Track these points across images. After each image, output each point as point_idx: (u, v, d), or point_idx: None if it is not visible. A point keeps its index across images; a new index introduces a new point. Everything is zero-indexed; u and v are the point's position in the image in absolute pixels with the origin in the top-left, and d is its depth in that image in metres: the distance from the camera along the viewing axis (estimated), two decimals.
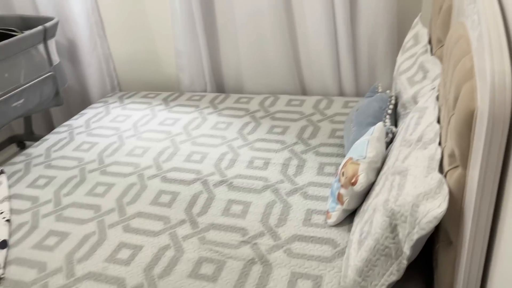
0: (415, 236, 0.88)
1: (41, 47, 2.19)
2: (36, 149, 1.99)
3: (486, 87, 0.70)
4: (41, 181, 1.75)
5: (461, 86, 0.83)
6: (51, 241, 1.42)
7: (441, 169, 0.94)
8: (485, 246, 0.78)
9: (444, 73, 1.13)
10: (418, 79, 1.48)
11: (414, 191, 0.91)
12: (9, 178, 1.80)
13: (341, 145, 1.74)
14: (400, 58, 1.72)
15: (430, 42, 1.64)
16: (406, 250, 0.92)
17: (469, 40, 0.92)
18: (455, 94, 0.86)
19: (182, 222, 1.43)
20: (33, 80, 2.15)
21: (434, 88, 1.29)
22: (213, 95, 2.30)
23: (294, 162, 1.66)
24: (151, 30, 2.49)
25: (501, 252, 0.74)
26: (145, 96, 2.39)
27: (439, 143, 0.99)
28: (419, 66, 1.52)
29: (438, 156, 0.95)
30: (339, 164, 1.62)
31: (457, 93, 0.85)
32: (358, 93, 2.24)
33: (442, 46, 1.44)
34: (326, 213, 1.38)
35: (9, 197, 1.66)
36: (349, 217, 1.35)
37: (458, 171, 0.84)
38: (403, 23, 2.10)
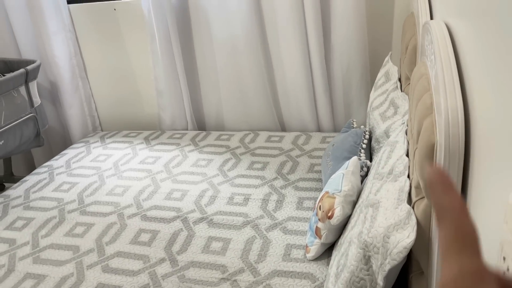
0: (387, 267, 0.90)
1: (22, 89, 2.21)
2: (15, 191, 1.98)
3: (442, 122, 0.75)
4: (19, 223, 1.73)
5: (422, 121, 0.89)
6: (27, 284, 1.39)
7: (410, 200, 0.97)
8: None
9: (410, 109, 1.19)
10: (390, 114, 1.55)
11: (385, 223, 0.94)
12: None
13: (319, 180, 1.77)
14: (372, 94, 1.79)
15: (399, 79, 1.72)
16: (380, 281, 0.94)
17: (429, 78, 0.99)
18: (417, 129, 0.91)
19: (162, 260, 1.42)
20: (14, 122, 2.16)
21: (403, 123, 1.35)
22: (194, 133, 2.33)
23: (274, 197, 1.69)
24: (132, 71, 2.55)
25: None
26: (126, 135, 2.41)
27: (408, 176, 1.03)
28: (390, 102, 1.59)
29: (407, 188, 0.98)
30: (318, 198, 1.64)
31: (419, 128, 0.90)
32: (335, 129, 2.30)
33: (410, 83, 1.51)
34: (305, 248, 1.40)
35: None
36: (328, 250, 1.36)
37: (424, 202, 0.88)
38: (375, 61, 2.20)
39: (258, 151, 2.06)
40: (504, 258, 0.46)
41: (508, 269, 0.45)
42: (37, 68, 2.26)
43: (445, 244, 0.28)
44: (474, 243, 0.28)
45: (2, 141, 2.10)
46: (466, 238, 0.27)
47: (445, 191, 0.30)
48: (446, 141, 0.72)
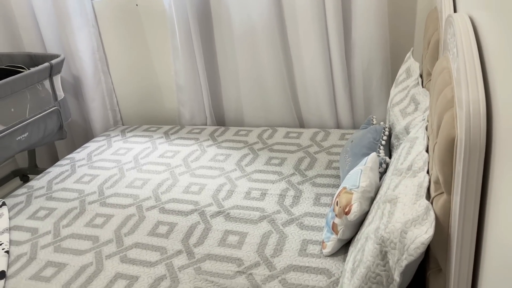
0: (404, 263, 0.89)
1: (46, 82, 2.27)
2: (38, 182, 2.03)
3: (463, 115, 0.73)
4: (42, 213, 1.77)
5: (442, 115, 0.87)
6: (48, 272, 1.43)
7: (428, 196, 0.95)
8: (471, 271, 0.79)
9: (431, 104, 1.16)
10: (410, 110, 1.52)
11: (402, 218, 0.93)
12: (10, 210, 1.82)
13: (337, 176, 1.76)
14: (393, 91, 1.76)
15: (421, 75, 1.69)
16: (396, 277, 0.93)
17: (451, 71, 0.96)
18: (437, 123, 0.89)
19: (179, 252, 1.44)
20: (38, 115, 2.22)
21: (424, 119, 1.32)
22: (212, 128, 2.35)
23: (291, 193, 1.68)
24: (153, 66, 2.58)
25: (486, 278, 0.74)
26: (146, 130, 2.44)
27: (428, 171, 1.01)
28: (411, 98, 1.56)
29: (426, 184, 0.97)
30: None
31: (439, 122, 0.88)
32: (355, 126, 2.28)
33: (431, 79, 1.48)
34: (322, 243, 1.39)
35: (9, 229, 1.68)
36: (344, 246, 1.35)
37: (443, 197, 0.86)
38: (396, 57, 2.16)
39: (276, 147, 2.05)
40: None
41: None
42: (61, 62, 2.31)
43: None
44: None
45: (27, 133, 2.16)
46: None
47: None
48: (466, 135, 0.71)
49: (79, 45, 2.48)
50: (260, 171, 1.86)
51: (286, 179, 1.78)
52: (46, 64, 2.22)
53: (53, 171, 2.11)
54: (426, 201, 0.90)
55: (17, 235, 1.64)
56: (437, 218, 0.87)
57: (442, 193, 0.87)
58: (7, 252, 1.54)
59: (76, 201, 1.82)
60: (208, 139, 2.22)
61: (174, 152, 2.14)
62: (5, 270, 1.45)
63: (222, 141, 2.18)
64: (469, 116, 0.71)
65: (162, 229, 1.56)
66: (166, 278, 1.33)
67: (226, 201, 1.68)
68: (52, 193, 1.91)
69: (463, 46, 0.84)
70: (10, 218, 1.76)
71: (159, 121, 2.72)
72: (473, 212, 0.75)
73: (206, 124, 2.51)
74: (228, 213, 1.60)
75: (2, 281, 1.40)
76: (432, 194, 0.93)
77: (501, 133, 0.67)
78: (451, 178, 0.82)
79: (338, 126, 2.29)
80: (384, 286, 0.97)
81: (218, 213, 1.61)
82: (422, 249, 0.85)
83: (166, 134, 2.35)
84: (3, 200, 1.88)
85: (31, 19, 2.54)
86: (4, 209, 1.80)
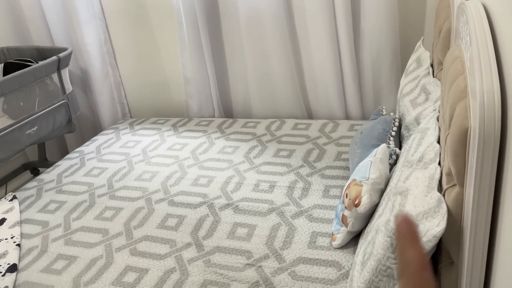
0: None
1: (55, 76, 2.27)
2: (48, 175, 2.04)
3: (477, 105, 0.71)
4: (52, 206, 1.78)
5: (455, 105, 0.85)
6: (59, 265, 1.44)
7: (440, 188, 0.94)
8: (484, 265, 0.78)
9: (443, 94, 1.14)
10: (421, 101, 1.50)
11: (414, 211, 0.92)
12: (21, 203, 1.84)
13: (347, 168, 1.74)
14: (403, 80, 1.74)
15: (432, 64, 1.66)
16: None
17: (463, 61, 0.94)
18: (450, 114, 0.87)
19: (188, 245, 1.44)
20: (47, 108, 2.23)
21: (435, 110, 1.30)
22: (220, 120, 2.34)
23: (300, 185, 1.67)
24: (160, 59, 2.57)
25: (500, 270, 0.73)
26: (154, 122, 2.44)
27: (439, 163, 1.00)
28: (422, 88, 1.53)
29: (438, 176, 0.95)
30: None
31: (452, 113, 0.86)
32: (364, 116, 2.25)
33: (442, 68, 1.46)
34: (331, 235, 1.38)
35: (20, 222, 1.70)
36: (354, 239, 1.34)
37: (456, 189, 0.85)
38: (406, 47, 2.13)
39: (284, 139, 2.04)
40: None
41: None
42: (68, 56, 2.31)
43: None
44: None
45: (36, 127, 2.17)
46: None
47: (410, 243, 0.33)
48: (480, 126, 0.69)
49: (87, 38, 2.47)
50: (269, 163, 1.85)
51: (294, 171, 1.77)
52: (54, 57, 2.22)
53: (63, 164, 2.13)
54: (438, 194, 0.89)
55: (28, 228, 1.66)
56: (449, 211, 0.86)
57: (454, 185, 0.86)
58: (19, 245, 1.56)
59: (86, 194, 1.83)
60: (216, 131, 2.22)
61: (182, 144, 2.14)
62: (17, 263, 1.47)
63: (230, 133, 2.17)
64: (483, 106, 0.70)
65: (171, 222, 1.57)
66: (175, 271, 1.33)
67: (235, 193, 1.68)
68: (62, 186, 1.92)
69: (477, 35, 0.82)
70: (21, 212, 1.78)
71: (167, 114, 2.71)
72: (486, 205, 0.73)
73: (214, 116, 2.50)
74: (237, 206, 1.60)
75: (14, 274, 1.41)
76: (444, 186, 0.92)
77: None
78: (464, 170, 0.80)
79: (347, 117, 2.26)
80: (395, 279, 0.96)
81: (227, 206, 1.61)
82: (434, 242, 0.84)
83: (174, 126, 2.35)
84: (14, 194, 1.90)
85: (39, 13, 2.54)
86: (15, 203, 1.82)
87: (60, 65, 2.26)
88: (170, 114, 2.71)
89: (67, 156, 2.20)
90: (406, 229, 0.33)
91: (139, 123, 2.46)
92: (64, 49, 2.37)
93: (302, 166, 1.80)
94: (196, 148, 2.08)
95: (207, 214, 1.58)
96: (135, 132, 2.36)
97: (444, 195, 0.90)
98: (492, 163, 0.70)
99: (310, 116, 2.36)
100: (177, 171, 1.89)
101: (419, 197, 0.94)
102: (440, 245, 1.00)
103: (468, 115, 0.78)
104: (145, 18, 2.48)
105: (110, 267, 1.39)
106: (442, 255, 0.99)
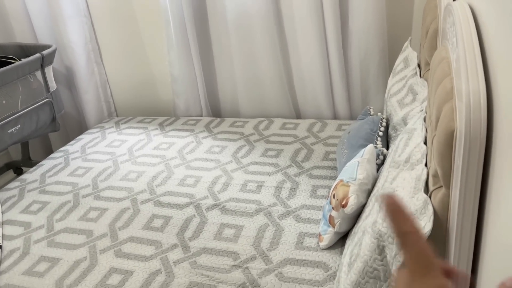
0: (401, 258, 0.87)
1: (38, 74, 2.22)
2: (31, 175, 2.00)
3: (463, 107, 0.71)
4: (35, 207, 1.75)
5: (441, 107, 0.85)
6: (42, 267, 1.41)
7: (427, 189, 0.94)
8: (470, 266, 0.78)
9: (429, 95, 1.14)
10: (408, 101, 1.50)
11: None
12: (3, 204, 1.80)
13: (334, 168, 1.74)
14: (391, 81, 1.74)
15: (419, 65, 1.66)
16: (394, 272, 0.91)
17: (450, 62, 0.94)
18: (436, 115, 0.87)
19: (174, 246, 1.42)
20: (30, 107, 2.18)
21: (422, 110, 1.30)
22: (208, 119, 2.32)
23: (287, 185, 1.66)
24: (147, 57, 2.53)
25: (485, 271, 0.73)
26: (141, 121, 2.41)
27: (426, 164, 0.99)
28: (409, 88, 1.54)
29: (424, 177, 0.95)
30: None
31: (438, 114, 0.86)
32: (352, 116, 2.25)
33: (429, 69, 1.46)
34: (318, 236, 1.37)
35: (2, 223, 1.66)
36: (341, 239, 1.34)
37: (442, 191, 0.84)
38: (394, 47, 2.13)
39: (272, 138, 2.03)
40: None
41: None
42: (52, 53, 2.27)
43: (410, 269, 0.35)
44: (435, 265, 0.34)
45: (19, 126, 2.12)
46: (428, 262, 0.34)
47: (403, 218, 0.35)
48: (466, 127, 0.69)
49: (71, 35, 2.43)
50: (256, 163, 1.84)
51: (282, 171, 1.76)
52: (38, 54, 2.17)
53: (47, 163, 2.09)
54: (424, 195, 0.89)
55: (9, 230, 1.62)
56: (435, 212, 0.86)
57: (440, 186, 0.86)
58: (0, 247, 1.52)
59: (70, 194, 1.80)
60: (204, 131, 2.20)
61: (169, 144, 2.11)
62: None
63: (217, 133, 2.16)
64: (469, 108, 0.69)
65: (157, 223, 1.55)
66: (161, 273, 1.32)
67: (222, 193, 1.66)
68: (45, 186, 1.89)
69: (463, 36, 0.81)
70: (2, 212, 1.74)
71: (153, 113, 2.68)
72: (472, 207, 0.73)
73: (201, 115, 2.48)
74: (224, 206, 1.58)
75: None
76: (431, 187, 0.91)
77: (502, 126, 0.65)
78: (450, 172, 0.80)
79: (335, 116, 2.26)
80: (381, 281, 0.95)
81: (214, 206, 1.59)
82: None
83: (161, 125, 2.32)
84: None
85: (22, 9, 2.49)
86: None
87: (44, 62, 2.22)
88: (157, 113, 2.68)
89: (51, 156, 2.17)
90: (396, 207, 0.36)
91: (125, 122, 2.43)
92: (48, 46, 2.32)
93: (290, 166, 1.79)
94: (183, 147, 2.06)
95: (194, 214, 1.56)
96: (121, 131, 2.33)
97: (430, 197, 0.90)
98: (478, 164, 0.70)
99: (298, 115, 2.36)
100: (164, 171, 1.87)
101: (405, 199, 0.94)
102: None
103: (454, 117, 0.78)
104: (131, 16, 2.44)
105: (94, 269, 1.37)
106: None
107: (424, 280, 0.34)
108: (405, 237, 0.35)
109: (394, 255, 0.91)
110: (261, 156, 1.89)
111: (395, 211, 0.36)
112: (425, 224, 0.84)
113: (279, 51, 2.20)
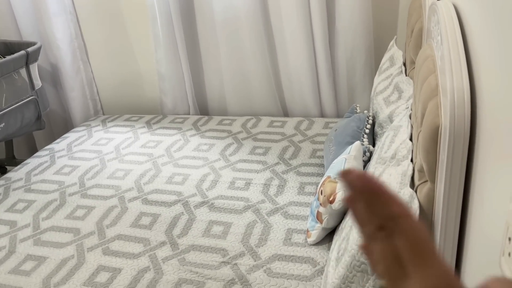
0: None
1: (23, 71, 2.19)
2: (16, 173, 1.98)
3: (447, 103, 0.73)
4: (20, 205, 1.73)
5: (427, 103, 0.87)
6: (28, 266, 1.40)
7: (412, 184, 0.96)
8: (454, 259, 0.80)
9: (415, 92, 1.16)
10: (394, 99, 1.52)
11: None
12: None
13: (322, 165, 1.76)
14: (377, 79, 1.76)
15: (404, 63, 1.69)
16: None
17: (434, 60, 0.96)
18: (422, 112, 0.89)
19: (162, 244, 1.42)
20: (15, 104, 2.15)
21: (407, 108, 1.33)
22: (196, 117, 2.32)
23: (275, 182, 1.68)
24: (134, 55, 2.52)
25: (468, 264, 0.75)
26: (128, 119, 2.40)
27: (411, 160, 1.01)
28: (395, 86, 1.56)
29: (410, 172, 0.97)
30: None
31: (424, 110, 0.88)
32: (339, 114, 2.28)
33: (415, 67, 1.48)
34: (306, 232, 1.39)
35: None
36: (329, 235, 1.35)
37: (427, 185, 0.86)
38: (380, 46, 2.16)
39: (260, 136, 2.04)
40: (509, 239, 0.45)
41: None
42: (37, 50, 2.24)
43: (406, 258, 0.28)
44: (433, 251, 0.28)
45: (3, 124, 2.09)
46: (424, 248, 0.28)
47: (387, 200, 0.28)
48: (451, 123, 0.71)
49: (56, 32, 2.40)
50: (244, 161, 1.85)
51: (270, 169, 1.77)
52: (22, 52, 2.14)
53: (32, 162, 2.06)
54: (410, 190, 0.91)
55: None
56: (421, 207, 0.88)
57: (426, 181, 0.88)
58: None
59: (56, 193, 1.78)
60: (191, 129, 2.20)
61: (156, 142, 2.11)
62: None
63: (205, 131, 2.16)
64: (453, 104, 0.71)
65: (145, 221, 1.54)
66: (149, 270, 1.32)
67: (210, 191, 1.66)
68: (31, 185, 1.86)
69: (447, 34, 0.83)
70: None
71: (140, 111, 2.67)
72: (456, 200, 0.75)
73: (189, 113, 2.48)
74: (212, 203, 1.59)
75: None
76: (416, 182, 0.93)
77: (485, 121, 0.67)
78: (435, 167, 0.82)
79: (322, 114, 2.28)
80: (369, 274, 0.97)
81: (202, 204, 1.59)
82: None
83: (148, 123, 2.31)
84: None
85: (6, 5, 2.45)
86: None
87: (28, 60, 2.19)
88: (144, 111, 2.67)
89: (36, 154, 2.14)
90: (373, 185, 0.28)
91: (112, 120, 2.41)
92: (33, 44, 2.29)
93: (277, 163, 1.80)
94: (171, 145, 2.05)
95: (182, 212, 1.56)
96: (108, 129, 2.31)
97: (416, 191, 0.92)
98: (462, 159, 0.72)
99: (286, 113, 2.37)
100: (151, 169, 1.87)
101: None
102: None
103: (439, 113, 0.80)
104: (117, 13, 2.43)
105: (81, 267, 1.36)
106: None
107: (426, 272, 0.27)
108: (396, 223, 0.28)
109: None
110: (249, 154, 1.90)
111: (373, 191, 0.28)
112: None
113: (266, 49, 2.21)
